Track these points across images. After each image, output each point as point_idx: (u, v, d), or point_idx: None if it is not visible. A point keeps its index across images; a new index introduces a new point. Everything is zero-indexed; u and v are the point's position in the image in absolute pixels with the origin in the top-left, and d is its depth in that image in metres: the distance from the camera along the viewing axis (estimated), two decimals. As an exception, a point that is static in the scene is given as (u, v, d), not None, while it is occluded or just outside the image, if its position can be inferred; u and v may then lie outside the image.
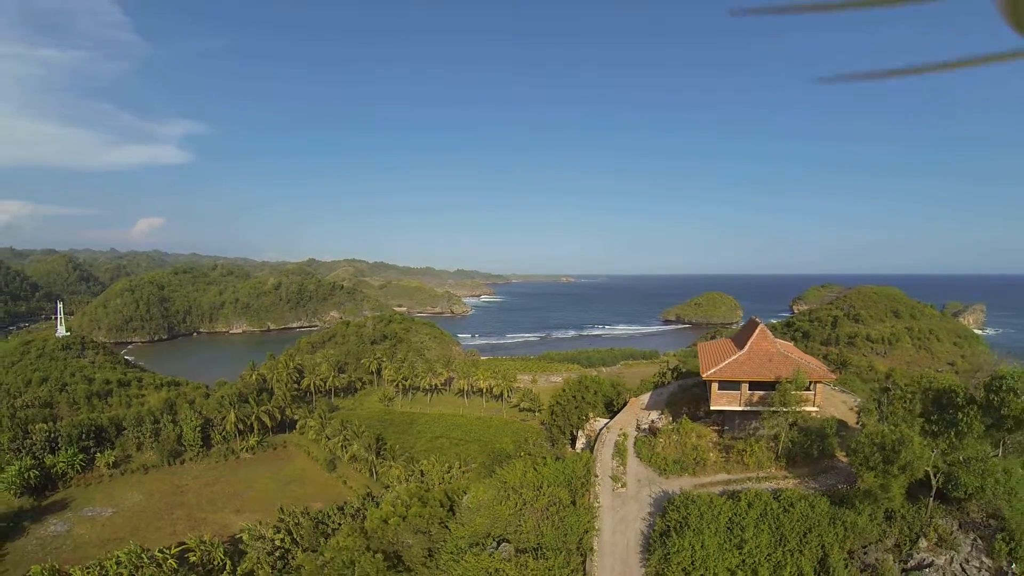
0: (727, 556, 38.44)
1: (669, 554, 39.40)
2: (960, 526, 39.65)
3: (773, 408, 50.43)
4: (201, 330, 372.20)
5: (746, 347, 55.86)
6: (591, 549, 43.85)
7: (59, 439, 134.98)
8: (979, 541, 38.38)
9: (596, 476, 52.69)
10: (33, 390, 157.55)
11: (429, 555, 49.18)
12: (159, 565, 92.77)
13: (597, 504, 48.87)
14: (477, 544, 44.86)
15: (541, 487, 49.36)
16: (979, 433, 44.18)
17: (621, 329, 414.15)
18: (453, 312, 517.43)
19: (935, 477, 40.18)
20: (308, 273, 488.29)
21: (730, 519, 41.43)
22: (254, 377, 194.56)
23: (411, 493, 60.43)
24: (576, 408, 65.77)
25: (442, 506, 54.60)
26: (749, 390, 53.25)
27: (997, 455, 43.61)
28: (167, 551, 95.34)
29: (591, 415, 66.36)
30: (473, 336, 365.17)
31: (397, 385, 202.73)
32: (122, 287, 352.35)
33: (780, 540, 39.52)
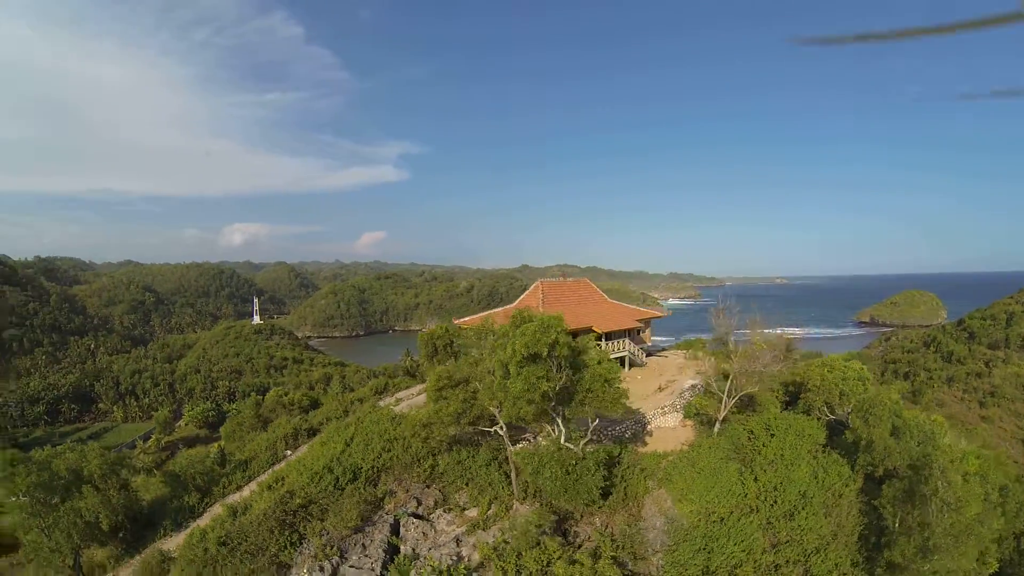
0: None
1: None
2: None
3: None
4: (396, 328, 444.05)
5: (513, 303, 65.60)
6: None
7: (236, 393, 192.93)
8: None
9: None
10: (228, 360, 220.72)
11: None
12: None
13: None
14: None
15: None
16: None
17: (805, 331, 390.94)
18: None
19: None
20: (515, 278, 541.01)
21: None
22: (407, 362, 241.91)
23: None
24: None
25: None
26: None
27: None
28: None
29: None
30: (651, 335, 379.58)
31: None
32: (328, 290, 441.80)
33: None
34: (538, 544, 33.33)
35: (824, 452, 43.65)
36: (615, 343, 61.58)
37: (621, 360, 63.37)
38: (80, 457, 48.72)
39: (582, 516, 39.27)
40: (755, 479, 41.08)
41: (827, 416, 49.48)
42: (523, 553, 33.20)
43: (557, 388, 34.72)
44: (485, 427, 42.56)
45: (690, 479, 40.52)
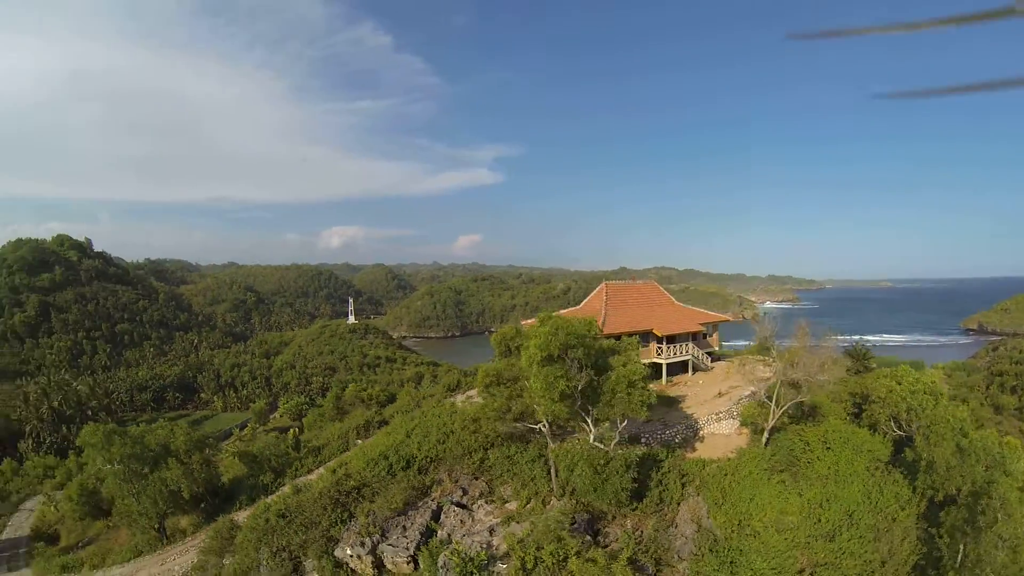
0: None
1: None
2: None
3: None
4: (492, 329, 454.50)
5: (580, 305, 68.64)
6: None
7: (329, 389, 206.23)
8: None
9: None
10: (323, 358, 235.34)
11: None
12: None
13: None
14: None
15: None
16: None
17: (907, 338, 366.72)
18: (744, 318, 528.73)
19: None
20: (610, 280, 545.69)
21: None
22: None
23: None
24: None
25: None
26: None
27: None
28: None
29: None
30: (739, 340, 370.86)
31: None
32: (424, 291, 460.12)
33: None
34: (559, 539, 35.53)
35: (885, 471, 40.76)
36: (677, 347, 62.31)
37: (684, 364, 64.38)
38: (168, 433, 55.84)
39: (614, 517, 40.31)
40: (799, 494, 39.61)
41: (894, 432, 48.42)
42: (543, 546, 34.89)
43: (580, 388, 36.71)
44: (531, 424, 45.39)
45: (727, 488, 40.28)
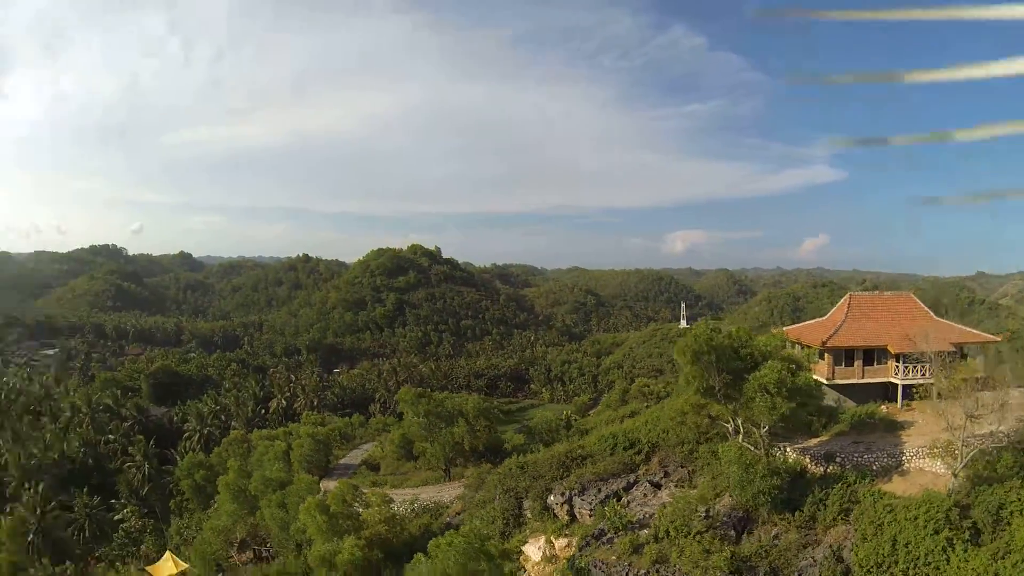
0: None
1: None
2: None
3: None
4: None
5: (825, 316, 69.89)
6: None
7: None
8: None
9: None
10: (651, 360, 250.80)
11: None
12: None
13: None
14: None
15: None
16: None
17: None
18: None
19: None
20: (965, 287, 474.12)
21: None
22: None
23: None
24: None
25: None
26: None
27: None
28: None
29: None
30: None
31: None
32: (762, 297, 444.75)
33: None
34: (688, 523, 43.36)
35: None
36: (916, 367, 59.15)
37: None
38: (463, 401, 76.26)
39: (764, 523, 44.25)
40: (966, 559, 35.70)
41: None
42: (675, 520, 43.77)
43: (717, 388, 43.96)
44: (723, 422, 52.61)
45: (884, 525, 39.28)
